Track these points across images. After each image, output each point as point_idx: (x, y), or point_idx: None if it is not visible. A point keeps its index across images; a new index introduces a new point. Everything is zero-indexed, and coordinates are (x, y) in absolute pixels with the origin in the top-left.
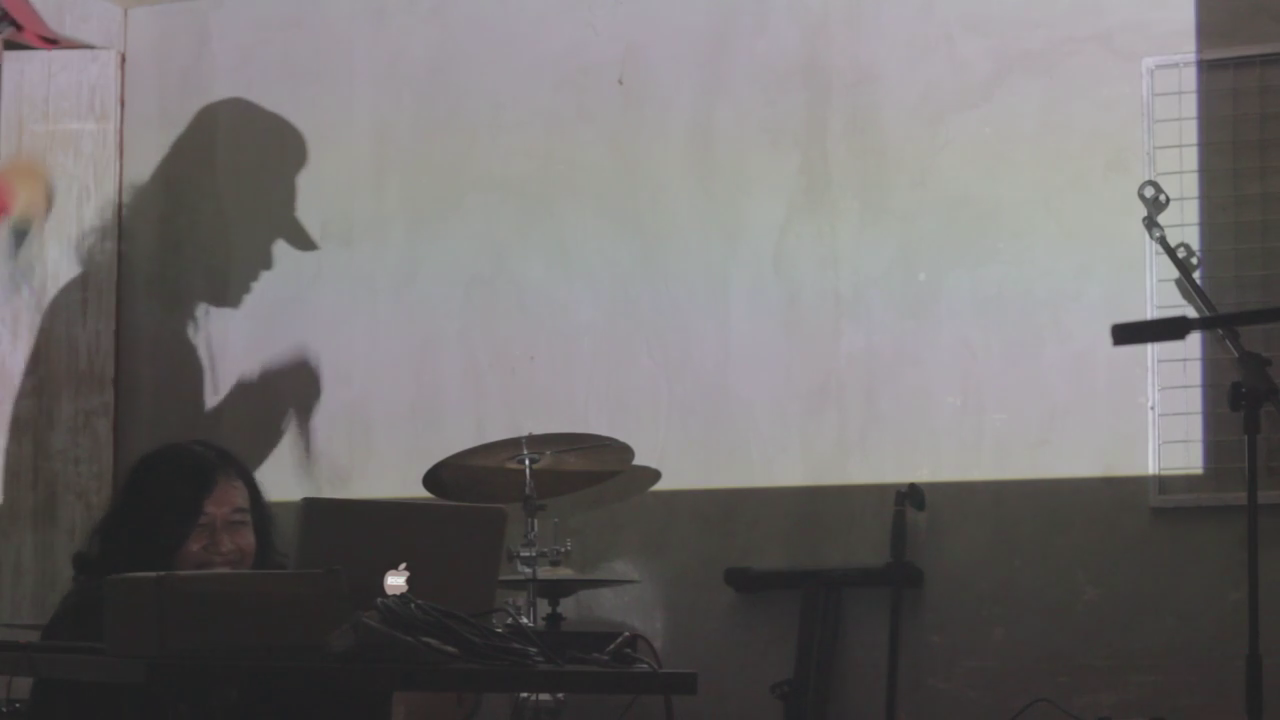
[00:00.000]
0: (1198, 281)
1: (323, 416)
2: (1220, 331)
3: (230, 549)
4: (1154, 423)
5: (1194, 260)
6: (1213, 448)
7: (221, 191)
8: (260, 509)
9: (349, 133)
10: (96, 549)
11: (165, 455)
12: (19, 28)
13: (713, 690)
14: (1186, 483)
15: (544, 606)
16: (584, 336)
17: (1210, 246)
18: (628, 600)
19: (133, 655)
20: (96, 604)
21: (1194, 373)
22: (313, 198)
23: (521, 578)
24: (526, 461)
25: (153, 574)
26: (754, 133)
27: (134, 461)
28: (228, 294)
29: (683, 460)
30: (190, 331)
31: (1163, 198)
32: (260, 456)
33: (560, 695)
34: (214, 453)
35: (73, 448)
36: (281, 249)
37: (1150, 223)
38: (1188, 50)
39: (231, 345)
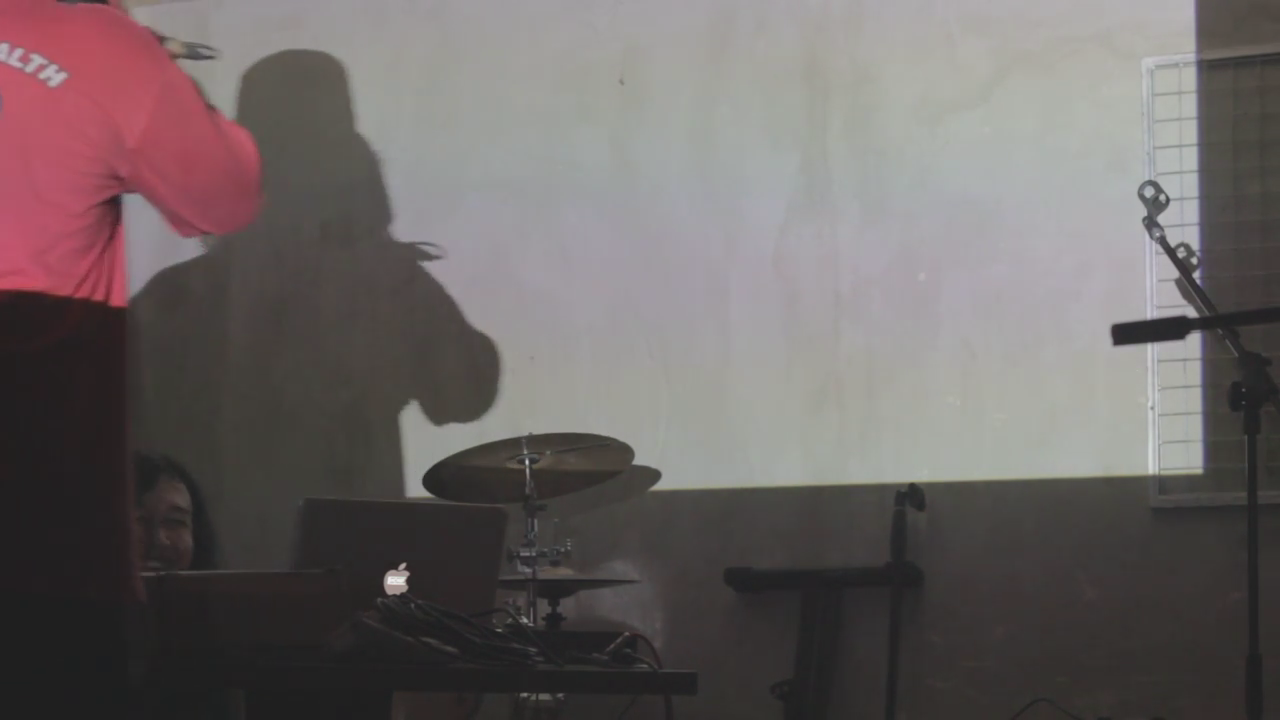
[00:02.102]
0: (1198, 281)
1: (323, 416)
2: (1220, 331)
3: (165, 543)
4: (1154, 423)
5: (1194, 260)
6: (1213, 448)
7: None
8: (202, 519)
9: (349, 133)
10: None
11: None
12: None
13: (713, 690)
14: (1186, 483)
15: (544, 606)
16: (584, 336)
17: (1210, 246)
18: (628, 600)
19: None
20: None
21: (1194, 373)
22: (313, 198)
23: (521, 578)
24: (526, 461)
25: (152, 574)
26: (754, 133)
27: None
28: (228, 294)
29: (683, 460)
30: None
31: (1163, 198)
32: (260, 457)
33: (560, 695)
34: (161, 458)
35: None
36: (281, 248)
37: (1150, 223)
38: (1188, 50)
39: (232, 345)
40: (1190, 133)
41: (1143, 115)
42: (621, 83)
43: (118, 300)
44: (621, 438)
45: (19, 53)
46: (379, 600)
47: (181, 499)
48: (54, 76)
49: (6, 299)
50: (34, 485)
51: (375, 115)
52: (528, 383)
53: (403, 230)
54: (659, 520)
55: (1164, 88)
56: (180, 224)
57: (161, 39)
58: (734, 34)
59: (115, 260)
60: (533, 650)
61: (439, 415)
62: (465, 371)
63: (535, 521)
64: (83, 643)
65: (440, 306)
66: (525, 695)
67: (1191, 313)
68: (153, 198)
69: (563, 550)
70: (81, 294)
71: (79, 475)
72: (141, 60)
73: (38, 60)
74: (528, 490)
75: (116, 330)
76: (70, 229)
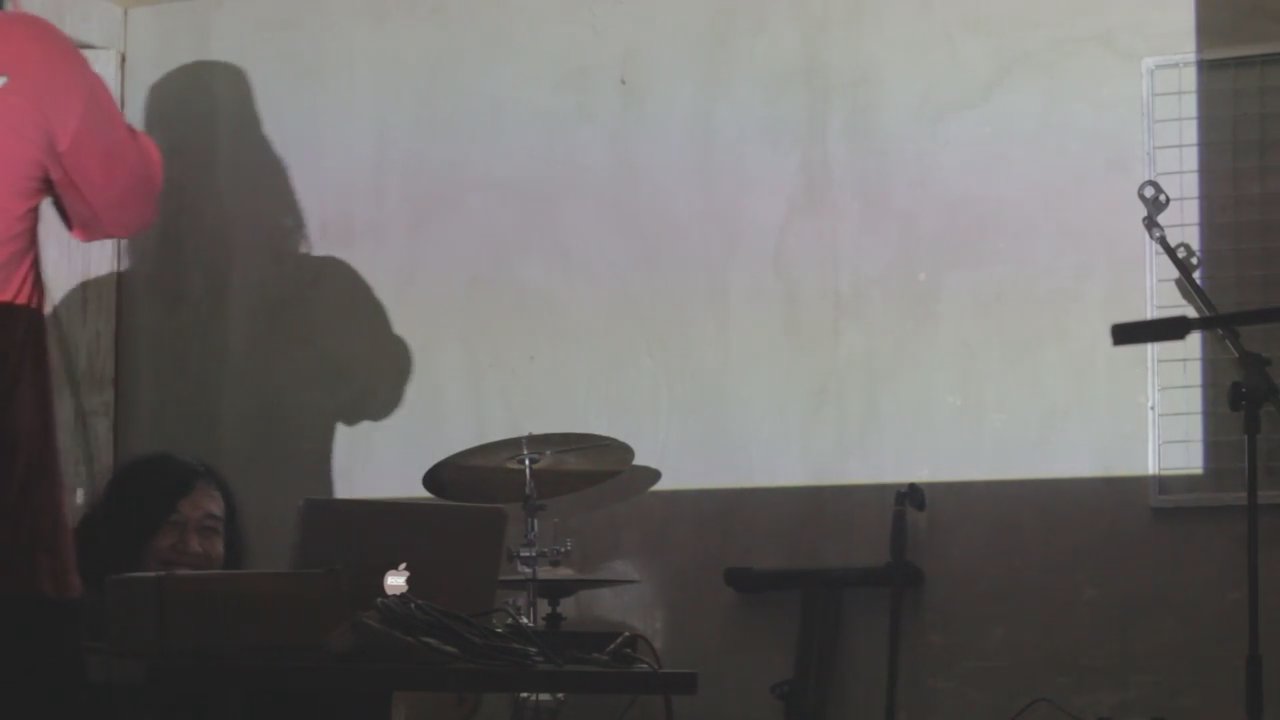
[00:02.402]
0: (1198, 281)
1: (323, 416)
2: (1220, 331)
3: (198, 551)
4: (1154, 423)
5: (1194, 260)
6: (1213, 448)
7: (221, 191)
8: (235, 526)
9: (349, 133)
10: (77, 550)
11: (149, 458)
12: None
13: (713, 690)
14: (1186, 483)
15: (544, 606)
16: (584, 336)
17: (1210, 246)
18: (628, 600)
19: (133, 655)
20: None
21: (1194, 373)
22: (313, 198)
23: (521, 578)
24: (526, 461)
25: (153, 574)
26: (754, 133)
27: (121, 465)
28: (228, 294)
29: (683, 460)
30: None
31: (1163, 198)
32: (259, 457)
33: (560, 695)
34: (198, 462)
35: (73, 448)
36: (281, 248)
37: (1150, 223)
38: (1188, 50)
39: (232, 345)
40: (1190, 133)
41: (1143, 115)
42: (622, 82)
43: (44, 307)
44: (621, 438)
45: None
46: (379, 600)
47: (216, 506)
48: None
49: None
50: None
51: (375, 115)
52: (528, 383)
53: (403, 230)
54: (659, 520)
55: (1164, 88)
56: (89, 228)
57: None
58: (734, 34)
59: (40, 266)
60: (533, 650)
61: (439, 415)
62: (465, 371)
63: (535, 521)
64: (41, 637)
65: (440, 306)
66: (525, 695)
67: (1191, 313)
68: (72, 200)
69: (563, 550)
70: (22, 299)
71: (26, 475)
72: (72, 65)
73: None
74: (528, 490)
75: (45, 335)
76: (13, 232)
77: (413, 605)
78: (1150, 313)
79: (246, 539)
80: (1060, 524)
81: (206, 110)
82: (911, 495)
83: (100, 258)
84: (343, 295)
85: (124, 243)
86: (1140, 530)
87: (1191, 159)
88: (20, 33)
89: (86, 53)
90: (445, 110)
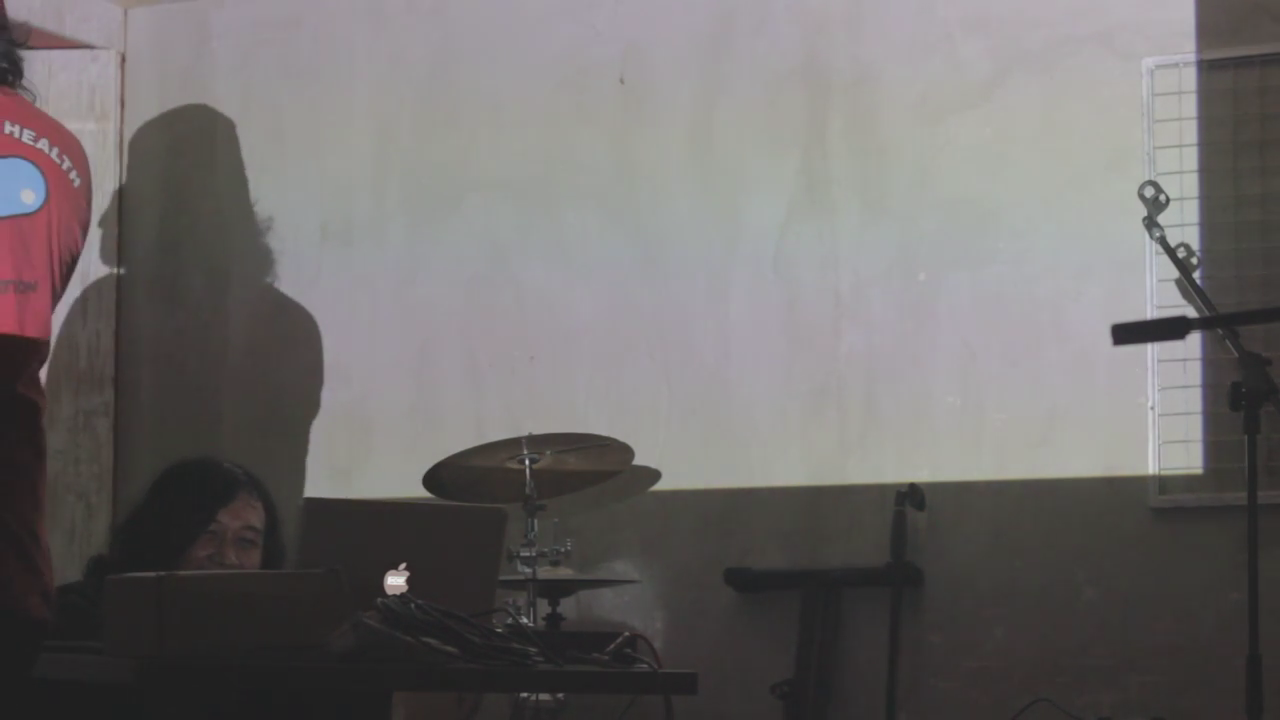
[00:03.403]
0: (1198, 281)
1: (323, 416)
2: (1220, 331)
3: (234, 564)
4: (1154, 423)
5: (1194, 260)
6: (1213, 448)
7: (221, 191)
8: (275, 538)
9: (349, 133)
10: (114, 552)
11: (194, 463)
12: None
13: (713, 690)
14: (1186, 483)
15: (544, 606)
16: (584, 336)
17: (1210, 246)
18: (628, 600)
19: (132, 655)
20: (71, 609)
21: (1194, 373)
22: (313, 198)
23: (521, 578)
24: (526, 461)
25: (153, 574)
26: (754, 133)
27: (164, 467)
28: (228, 294)
29: (683, 460)
30: (190, 331)
31: (1163, 198)
32: (260, 457)
33: (560, 695)
34: (242, 472)
35: (73, 448)
36: (281, 248)
37: (1150, 223)
38: (1188, 50)
39: (231, 345)
40: (1190, 133)
41: (1143, 115)
42: (621, 82)
43: None
44: (621, 438)
45: (56, 150)
46: (379, 600)
47: (257, 518)
48: (76, 179)
49: (39, 358)
50: None
51: (375, 115)
52: (528, 383)
53: (403, 230)
54: (659, 520)
55: (1164, 88)
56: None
57: None
58: (734, 34)
59: None
60: (533, 650)
61: (439, 415)
62: (465, 371)
63: (535, 521)
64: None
65: (440, 306)
66: (525, 695)
67: (1191, 313)
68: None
69: (563, 550)
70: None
71: None
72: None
73: (67, 161)
74: (528, 490)
75: None
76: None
77: (413, 605)
78: (1150, 313)
79: (286, 551)
80: (1060, 524)
81: (206, 111)
82: (911, 495)
83: (100, 258)
84: (343, 295)
85: (124, 242)
86: (1140, 530)
87: (1191, 159)
88: (76, 141)
89: (86, 53)
90: (445, 110)
